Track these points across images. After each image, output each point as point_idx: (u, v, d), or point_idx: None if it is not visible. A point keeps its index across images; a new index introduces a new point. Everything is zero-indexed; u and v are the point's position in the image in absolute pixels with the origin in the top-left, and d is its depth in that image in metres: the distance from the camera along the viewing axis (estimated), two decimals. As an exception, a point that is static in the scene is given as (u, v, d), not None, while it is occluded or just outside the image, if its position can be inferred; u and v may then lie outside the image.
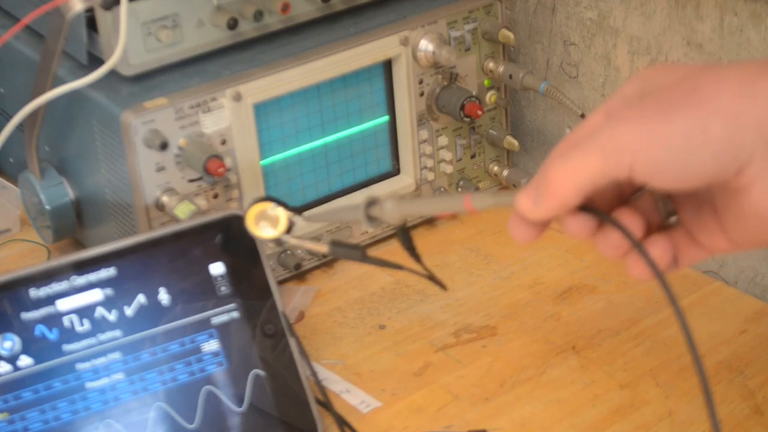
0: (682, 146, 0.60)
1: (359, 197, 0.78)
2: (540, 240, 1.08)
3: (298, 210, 0.81)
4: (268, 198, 0.81)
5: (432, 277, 0.83)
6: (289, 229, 0.81)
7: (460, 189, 1.12)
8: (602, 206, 0.67)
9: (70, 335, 0.83)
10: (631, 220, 0.66)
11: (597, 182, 0.62)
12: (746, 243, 0.66)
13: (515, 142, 1.12)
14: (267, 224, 0.81)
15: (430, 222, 1.12)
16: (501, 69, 1.09)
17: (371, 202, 0.73)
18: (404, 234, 0.79)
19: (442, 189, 1.11)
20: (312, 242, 0.81)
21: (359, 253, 0.81)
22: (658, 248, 0.66)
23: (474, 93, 1.08)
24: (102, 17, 0.94)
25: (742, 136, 0.60)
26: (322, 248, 0.81)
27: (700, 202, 0.67)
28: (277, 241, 0.81)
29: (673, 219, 0.69)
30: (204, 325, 0.86)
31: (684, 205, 0.68)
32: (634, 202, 0.69)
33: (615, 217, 0.66)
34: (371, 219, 0.73)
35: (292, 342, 0.87)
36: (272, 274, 0.88)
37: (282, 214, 0.81)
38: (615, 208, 0.67)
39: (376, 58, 1.03)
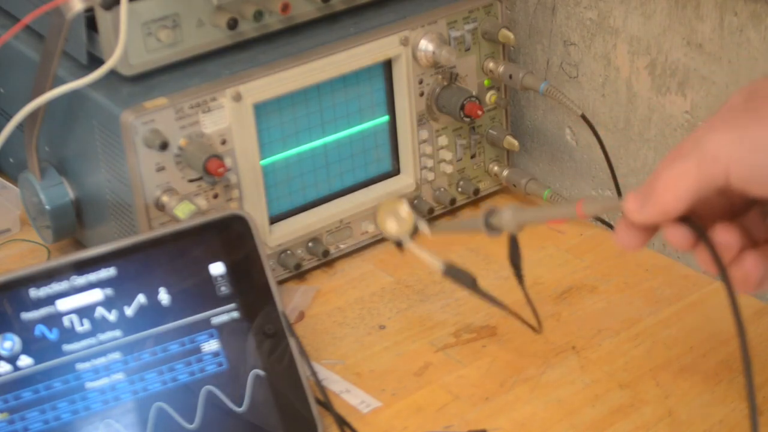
0: None
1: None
2: (540, 240, 1.09)
3: (427, 219, 0.83)
4: (405, 201, 0.84)
5: (532, 319, 0.88)
6: (412, 234, 0.83)
7: (459, 189, 1.12)
8: (710, 220, 0.68)
9: (70, 335, 0.83)
10: (728, 235, 0.67)
11: (697, 189, 0.63)
12: None
13: (515, 142, 1.12)
14: (393, 222, 0.83)
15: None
16: (501, 69, 1.09)
17: (490, 212, 0.76)
18: (514, 246, 0.82)
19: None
20: (429, 255, 0.83)
21: (470, 280, 0.83)
22: (749, 262, 0.67)
23: (474, 93, 1.08)
24: (102, 17, 0.94)
25: None
26: (437, 266, 0.82)
27: None
28: (398, 243, 0.83)
29: None
30: (204, 325, 0.86)
31: None
32: (742, 217, 0.69)
33: (714, 231, 0.67)
34: (491, 228, 0.76)
35: (292, 342, 0.87)
36: (272, 274, 0.88)
37: (411, 218, 0.83)
38: (722, 222, 0.68)
39: (376, 58, 1.03)
